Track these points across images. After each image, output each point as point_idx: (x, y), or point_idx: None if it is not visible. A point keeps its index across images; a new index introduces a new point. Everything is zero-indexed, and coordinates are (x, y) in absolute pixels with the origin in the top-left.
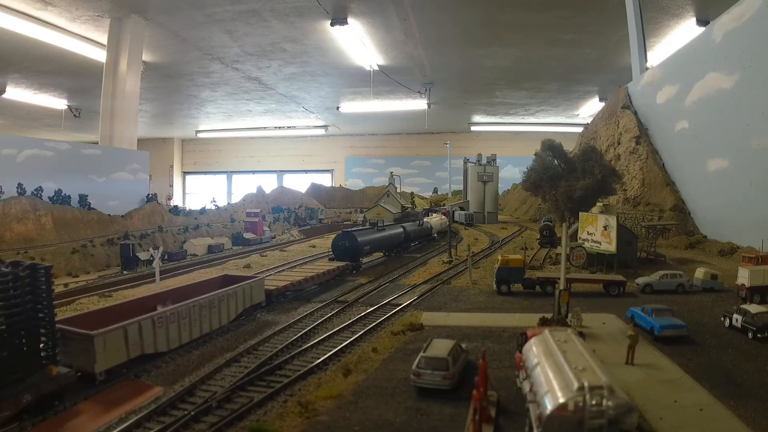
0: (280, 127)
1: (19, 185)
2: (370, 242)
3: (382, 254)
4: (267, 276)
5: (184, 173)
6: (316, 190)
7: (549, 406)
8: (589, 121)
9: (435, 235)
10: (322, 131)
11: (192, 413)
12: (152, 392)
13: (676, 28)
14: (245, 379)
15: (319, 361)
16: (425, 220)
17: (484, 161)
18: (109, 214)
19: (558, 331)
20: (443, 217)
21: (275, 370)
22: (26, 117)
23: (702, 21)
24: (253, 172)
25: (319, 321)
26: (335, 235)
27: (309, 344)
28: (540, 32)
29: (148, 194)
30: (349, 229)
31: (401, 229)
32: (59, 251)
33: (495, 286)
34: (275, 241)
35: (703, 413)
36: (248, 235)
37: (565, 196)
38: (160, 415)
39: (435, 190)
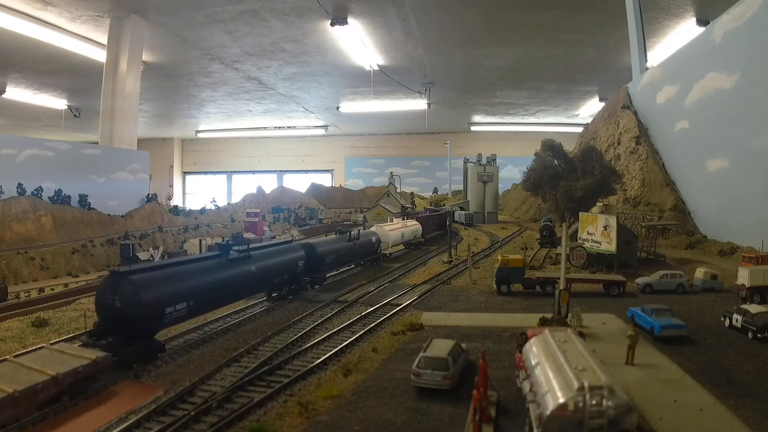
0: (280, 127)
1: (19, 185)
2: (189, 294)
3: (265, 295)
4: None
5: (184, 173)
6: (316, 190)
7: (549, 406)
8: (589, 121)
9: (388, 252)
10: (322, 131)
11: (192, 413)
12: (152, 392)
13: (676, 28)
14: (245, 379)
15: (319, 361)
16: (372, 230)
17: (484, 161)
18: (109, 214)
19: (558, 331)
20: (410, 223)
21: (275, 370)
22: (26, 117)
23: (702, 21)
24: (253, 172)
25: (319, 321)
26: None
27: (309, 344)
28: (540, 32)
29: (148, 194)
30: (127, 267)
31: (300, 253)
32: (59, 251)
33: (495, 286)
34: (275, 241)
35: (703, 413)
36: (248, 235)
37: (565, 196)
38: (160, 415)
39: (435, 190)
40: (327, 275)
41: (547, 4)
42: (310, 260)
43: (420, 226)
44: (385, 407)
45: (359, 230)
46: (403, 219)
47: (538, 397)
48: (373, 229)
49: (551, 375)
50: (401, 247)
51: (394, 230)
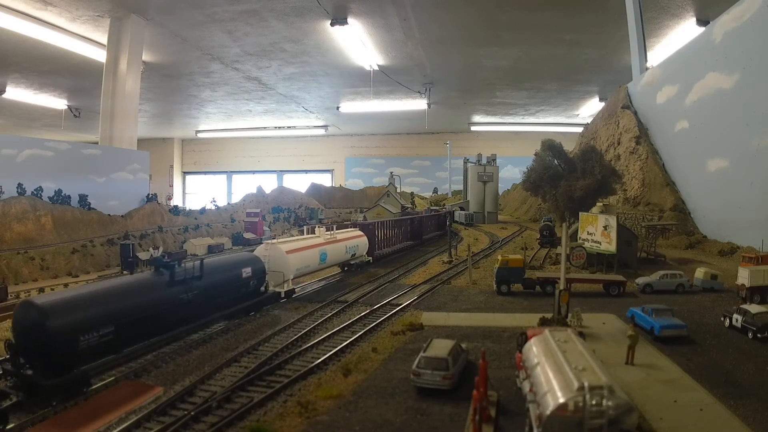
0: (280, 127)
1: (19, 185)
2: None
3: None
4: None
5: (184, 173)
6: (316, 190)
7: (549, 406)
8: (589, 121)
9: (282, 291)
10: (322, 131)
11: (192, 413)
12: (152, 392)
13: (676, 28)
14: (245, 379)
15: (319, 361)
16: (250, 255)
17: (484, 161)
18: (109, 214)
19: (558, 331)
20: (344, 235)
21: (275, 370)
22: (26, 117)
23: (702, 21)
24: (253, 172)
25: (320, 321)
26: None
27: (309, 344)
28: (540, 32)
29: (148, 194)
30: None
31: None
32: (59, 251)
33: (495, 286)
34: None
35: (703, 413)
36: (248, 235)
37: (565, 196)
38: (160, 415)
39: (435, 190)
40: (92, 371)
41: (547, 4)
42: (31, 348)
43: (365, 238)
44: (385, 407)
45: (201, 260)
46: (330, 229)
47: (538, 397)
48: (260, 249)
49: (551, 375)
50: (337, 269)
51: (304, 249)
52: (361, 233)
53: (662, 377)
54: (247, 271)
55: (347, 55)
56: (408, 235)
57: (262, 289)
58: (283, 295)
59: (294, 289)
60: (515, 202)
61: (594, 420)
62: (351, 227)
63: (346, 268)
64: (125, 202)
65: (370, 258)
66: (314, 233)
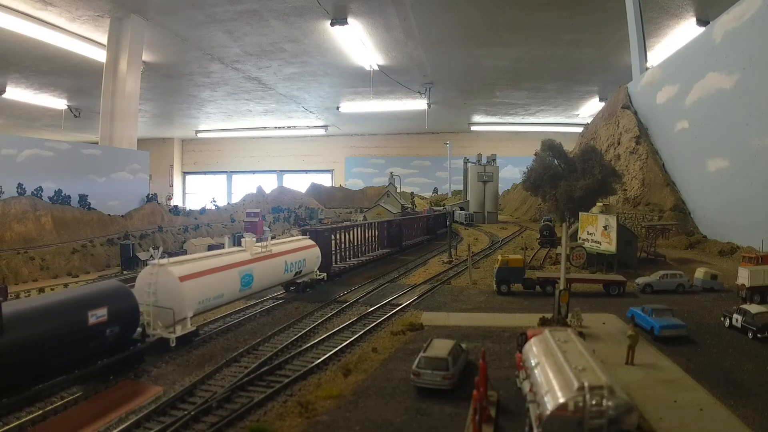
0: (280, 127)
1: (19, 185)
2: None
3: None
4: None
5: (184, 173)
6: (316, 190)
7: (549, 406)
8: (589, 121)
9: (172, 338)
10: (322, 131)
11: (192, 413)
12: (152, 392)
13: (676, 28)
14: (245, 379)
15: (319, 361)
16: (108, 290)
17: (484, 161)
18: (109, 214)
19: (558, 331)
20: (284, 247)
21: (275, 370)
22: (26, 117)
23: (702, 21)
24: (253, 172)
25: (320, 321)
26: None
27: (309, 344)
28: (540, 32)
29: (148, 194)
30: None
31: None
32: (59, 251)
33: (495, 286)
34: None
35: (703, 413)
36: (248, 235)
37: (565, 196)
38: (160, 415)
39: (435, 190)
40: None
41: (547, 4)
42: None
43: (317, 248)
44: (385, 407)
45: None
46: (264, 240)
47: (538, 397)
48: (144, 273)
49: (551, 375)
50: (284, 288)
51: (212, 272)
52: (312, 243)
53: (662, 377)
54: (98, 314)
55: (347, 55)
56: (384, 241)
57: (137, 335)
58: (173, 343)
59: (196, 330)
60: (515, 202)
61: (594, 420)
62: (299, 234)
63: (292, 288)
64: (125, 202)
65: (324, 275)
66: (247, 241)
